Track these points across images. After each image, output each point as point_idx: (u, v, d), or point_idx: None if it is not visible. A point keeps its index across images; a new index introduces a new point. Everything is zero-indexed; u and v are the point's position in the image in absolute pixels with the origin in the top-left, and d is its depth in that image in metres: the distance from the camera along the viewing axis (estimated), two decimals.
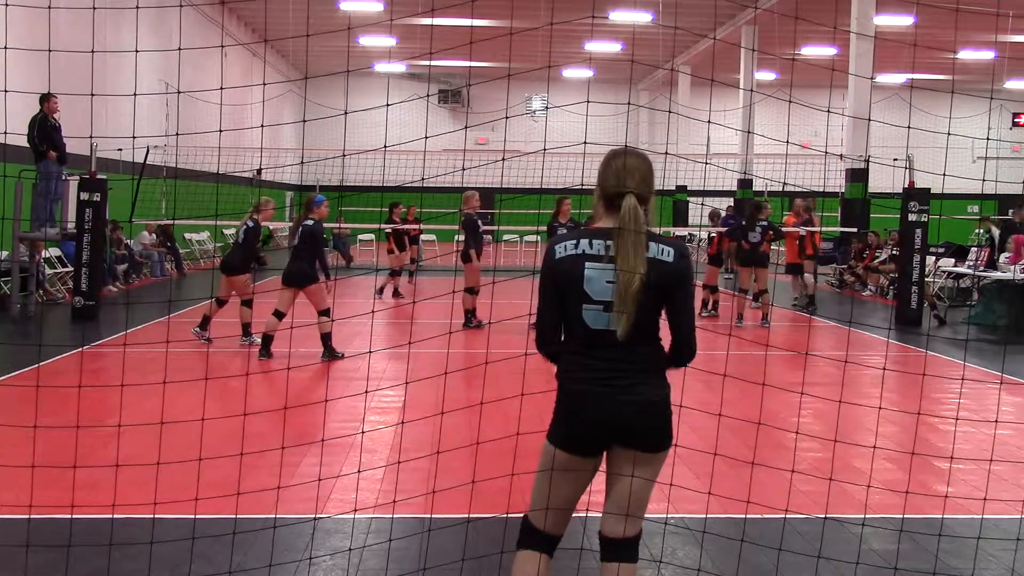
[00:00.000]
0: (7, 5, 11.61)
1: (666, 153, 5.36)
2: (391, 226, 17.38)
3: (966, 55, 30.40)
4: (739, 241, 14.29)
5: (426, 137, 5.32)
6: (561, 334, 3.32)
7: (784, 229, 15.67)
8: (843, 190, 20.76)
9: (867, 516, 5.28)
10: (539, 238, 22.22)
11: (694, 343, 3.30)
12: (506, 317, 12.89)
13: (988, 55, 28.93)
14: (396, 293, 16.99)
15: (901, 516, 5.05)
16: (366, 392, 6.76)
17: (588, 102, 5.07)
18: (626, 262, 3.14)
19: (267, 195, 12.09)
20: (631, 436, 3.24)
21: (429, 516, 5.03)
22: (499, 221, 29.08)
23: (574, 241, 3.24)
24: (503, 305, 13.39)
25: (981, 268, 15.45)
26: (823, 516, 5.06)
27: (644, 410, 3.22)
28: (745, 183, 28.21)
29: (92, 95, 13.74)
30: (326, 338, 10.16)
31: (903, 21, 25.04)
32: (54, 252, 15.76)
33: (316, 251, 10.15)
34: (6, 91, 4.88)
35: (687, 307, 3.27)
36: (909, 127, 7.71)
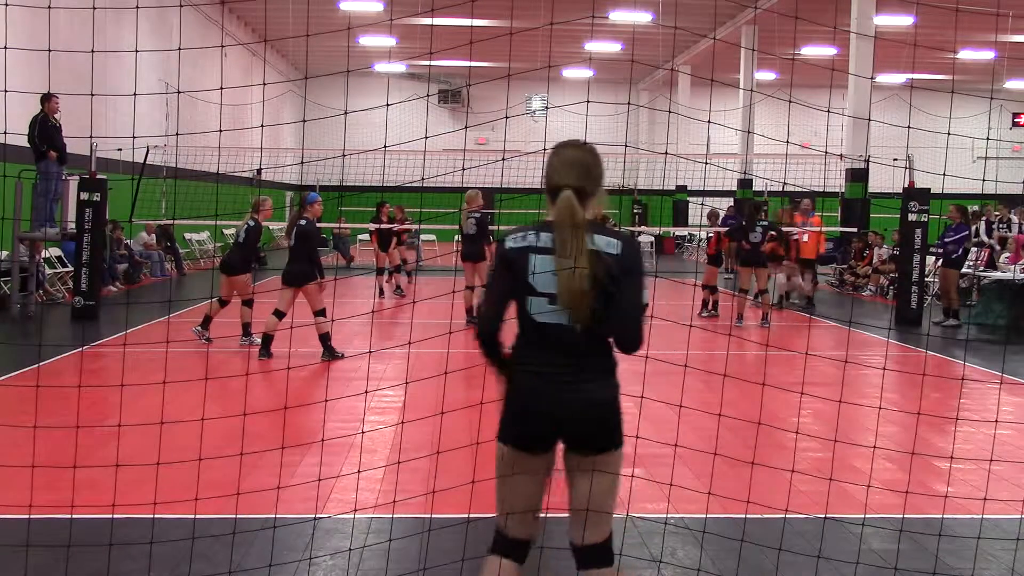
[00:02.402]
0: (7, 5, 11.60)
1: (666, 153, 5.36)
2: (375, 225, 17.38)
3: (966, 55, 30.40)
4: (739, 241, 14.30)
5: (426, 137, 5.32)
6: (501, 325, 3.29)
7: (784, 229, 15.70)
8: (843, 190, 20.76)
9: (867, 516, 5.28)
10: None
11: (639, 332, 3.22)
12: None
13: (988, 55, 28.92)
14: (398, 290, 16.98)
15: (901, 516, 5.05)
16: (366, 392, 6.76)
17: (588, 102, 5.08)
18: (563, 256, 3.13)
19: (267, 195, 12.07)
20: (575, 436, 3.21)
21: (429, 516, 5.03)
22: (499, 221, 29.08)
23: (523, 234, 3.25)
24: None
25: (981, 268, 15.45)
26: (823, 516, 5.06)
27: (588, 409, 3.18)
28: (745, 183, 28.20)
29: (92, 95, 13.74)
30: (325, 338, 10.15)
31: (903, 21, 25.04)
32: (54, 252, 15.76)
33: (309, 250, 10.14)
34: (6, 91, 4.88)
35: (636, 296, 3.21)
36: (909, 127, 7.71)
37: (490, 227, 13.42)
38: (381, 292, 17.12)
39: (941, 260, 14.85)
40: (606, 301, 3.17)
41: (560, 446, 3.29)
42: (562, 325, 3.17)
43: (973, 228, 17.98)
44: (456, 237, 15.46)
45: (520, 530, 3.30)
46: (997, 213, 18.56)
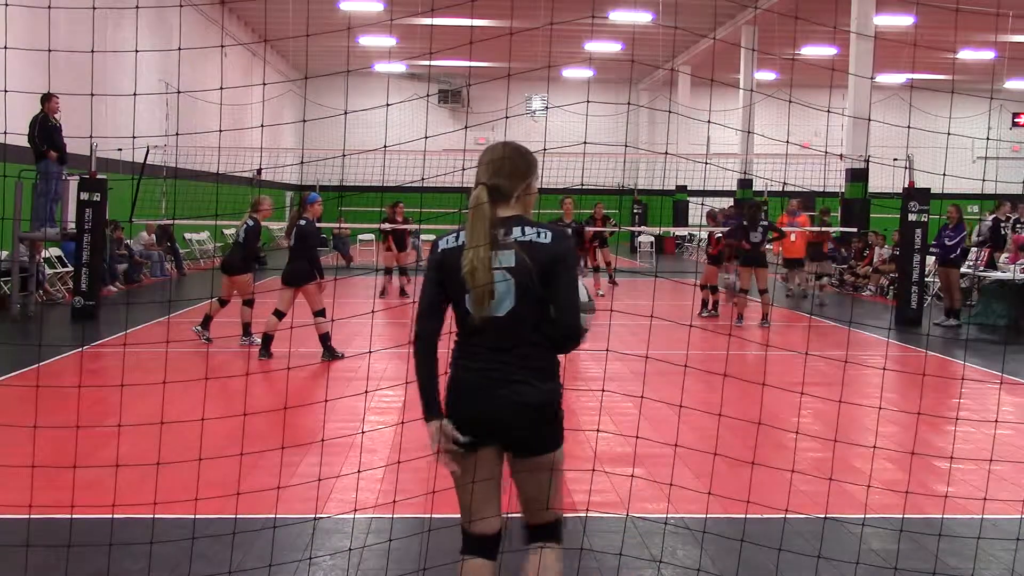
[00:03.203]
0: (7, 5, 11.60)
1: (666, 153, 5.37)
2: (391, 226, 17.38)
3: (966, 55, 30.39)
4: (740, 241, 14.30)
5: (426, 137, 5.32)
6: (438, 325, 3.31)
7: (785, 229, 15.76)
8: (843, 190, 20.76)
9: (867, 516, 5.28)
10: None
11: (576, 326, 3.20)
12: None
13: (988, 55, 28.92)
14: (402, 292, 16.98)
15: (901, 516, 5.05)
16: (366, 392, 6.75)
17: (588, 102, 5.03)
18: (464, 255, 3.16)
19: (267, 195, 12.07)
20: (507, 435, 3.22)
21: (429, 516, 5.03)
22: None
23: (454, 235, 3.29)
24: None
25: (981, 268, 15.45)
26: (823, 516, 5.06)
27: (518, 410, 3.18)
28: (745, 183, 28.20)
29: (92, 95, 13.74)
30: (325, 338, 10.16)
31: (903, 21, 25.04)
32: (54, 252, 15.76)
33: (309, 250, 10.14)
34: (6, 91, 4.88)
35: (570, 288, 3.20)
36: (909, 127, 7.71)
37: None
38: (383, 293, 17.11)
39: (938, 260, 14.85)
40: (527, 295, 3.16)
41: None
42: (496, 319, 3.17)
43: (978, 227, 18.00)
44: None
45: (483, 525, 3.30)
46: (1014, 214, 18.43)
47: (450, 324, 3.32)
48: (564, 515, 3.41)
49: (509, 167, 3.30)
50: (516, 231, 3.20)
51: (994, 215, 17.41)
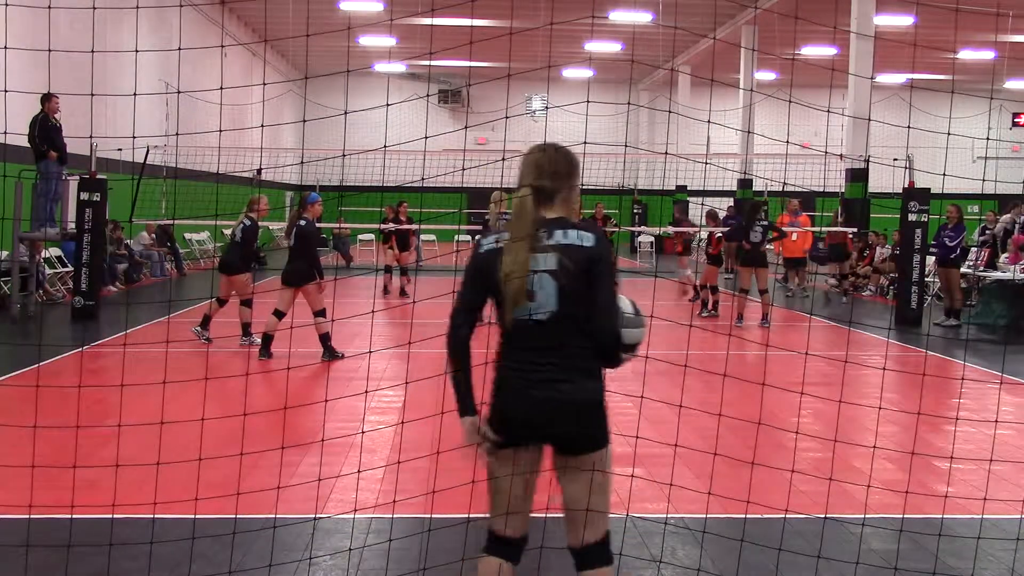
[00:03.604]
0: (7, 5, 11.60)
1: (666, 153, 5.37)
2: (395, 226, 17.40)
3: (966, 55, 30.38)
4: (739, 241, 14.30)
5: (426, 137, 5.32)
6: (471, 328, 3.32)
7: (785, 228, 15.78)
8: (843, 190, 20.76)
9: (867, 516, 5.28)
10: None
11: (612, 328, 3.22)
12: None
13: (988, 55, 28.91)
14: (403, 292, 16.99)
15: (901, 516, 5.05)
16: (366, 392, 6.76)
17: (588, 102, 5.07)
18: (505, 257, 3.18)
19: (267, 195, 12.07)
20: (553, 435, 3.22)
21: (429, 516, 5.03)
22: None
23: (496, 236, 3.29)
24: None
25: (981, 268, 15.45)
26: (823, 516, 5.06)
27: (567, 409, 3.18)
28: (745, 183, 28.19)
29: (92, 95, 13.74)
30: (325, 338, 10.16)
31: (903, 21, 25.03)
32: (54, 252, 15.76)
33: (308, 251, 10.14)
34: (6, 91, 4.88)
35: (607, 290, 3.22)
36: (909, 127, 7.71)
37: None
38: (386, 290, 17.15)
39: (938, 260, 14.85)
40: (570, 297, 3.17)
41: (547, 447, 3.29)
42: (540, 322, 3.18)
43: (981, 227, 18.02)
44: (456, 237, 15.49)
45: (511, 528, 3.29)
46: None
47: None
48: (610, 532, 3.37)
49: (554, 168, 3.31)
50: (558, 234, 3.21)
51: (1011, 215, 17.42)
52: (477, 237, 3.40)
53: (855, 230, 19.58)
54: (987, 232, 18.05)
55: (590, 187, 25.34)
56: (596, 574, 3.28)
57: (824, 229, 19.27)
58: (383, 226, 17.44)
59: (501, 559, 3.29)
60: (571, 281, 3.16)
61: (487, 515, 3.34)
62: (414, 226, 17.56)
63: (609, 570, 3.30)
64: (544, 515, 3.39)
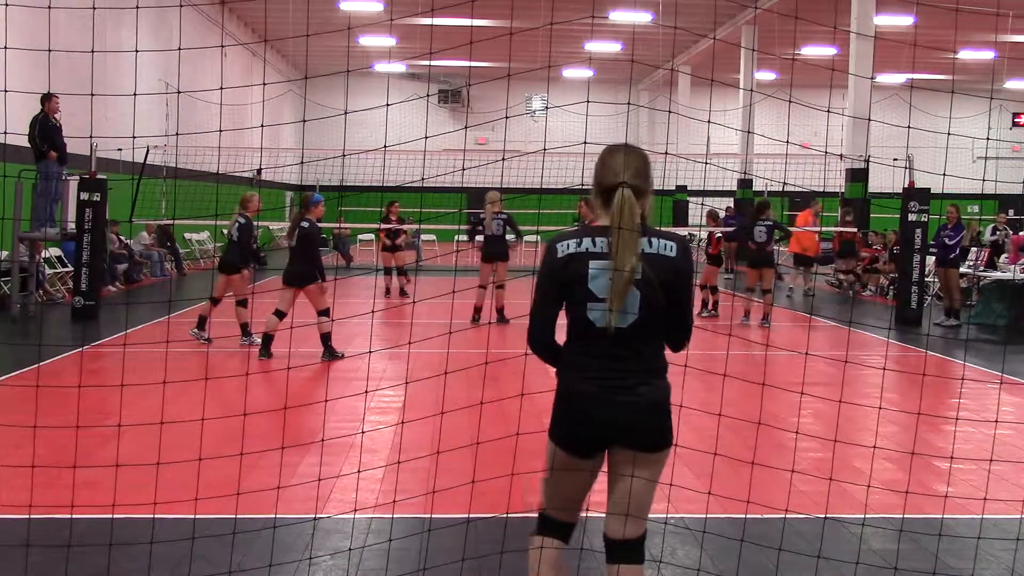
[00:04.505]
0: (7, 5, 11.60)
1: (666, 153, 5.37)
2: (388, 226, 17.41)
3: (966, 55, 30.39)
4: (744, 242, 14.29)
5: (426, 137, 5.32)
6: (555, 334, 3.29)
7: (792, 229, 15.83)
8: (843, 190, 20.76)
9: (867, 516, 5.28)
10: (539, 238, 22.24)
11: (690, 331, 3.31)
12: (511, 316, 12.89)
13: (988, 55, 28.91)
14: (403, 292, 17.01)
15: (901, 516, 5.05)
16: (366, 392, 6.75)
17: (588, 102, 5.07)
18: (618, 256, 3.11)
19: (267, 195, 12.08)
20: (632, 436, 3.22)
21: (429, 516, 5.03)
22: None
23: (576, 240, 3.21)
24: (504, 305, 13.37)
25: (981, 268, 15.45)
26: (823, 516, 5.06)
27: (646, 411, 3.20)
28: (745, 183, 28.20)
29: (92, 95, 13.74)
30: (326, 338, 10.16)
31: (903, 21, 25.03)
32: (54, 252, 15.76)
33: (310, 252, 10.15)
34: (6, 91, 4.88)
35: (689, 298, 3.27)
36: (909, 127, 7.71)
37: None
38: (387, 291, 17.17)
39: (938, 260, 14.85)
40: (650, 304, 3.16)
41: (609, 447, 3.30)
42: (620, 330, 3.16)
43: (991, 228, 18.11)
44: (456, 237, 15.49)
45: (570, 516, 3.36)
46: None
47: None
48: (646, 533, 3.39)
49: (646, 170, 3.27)
50: (643, 242, 3.17)
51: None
52: (551, 242, 3.29)
53: (846, 230, 19.68)
54: (998, 232, 18.15)
55: (590, 187, 25.24)
56: (627, 570, 3.28)
57: (835, 229, 19.29)
58: (381, 226, 17.47)
59: (553, 537, 3.33)
60: (653, 292, 3.14)
61: (540, 505, 3.37)
62: (404, 226, 17.55)
63: (640, 568, 3.31)
64: (605, 525, 3.39)
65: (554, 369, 3.33)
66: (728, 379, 6.15)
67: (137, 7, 17.58)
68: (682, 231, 32.12)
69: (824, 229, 18.87)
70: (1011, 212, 19.99)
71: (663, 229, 3.29)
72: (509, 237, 13.33)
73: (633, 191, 3.17)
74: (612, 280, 3.12)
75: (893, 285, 16.78)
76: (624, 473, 3.25)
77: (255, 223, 11.45)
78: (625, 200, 3.14)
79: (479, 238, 13.73)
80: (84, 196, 13.54)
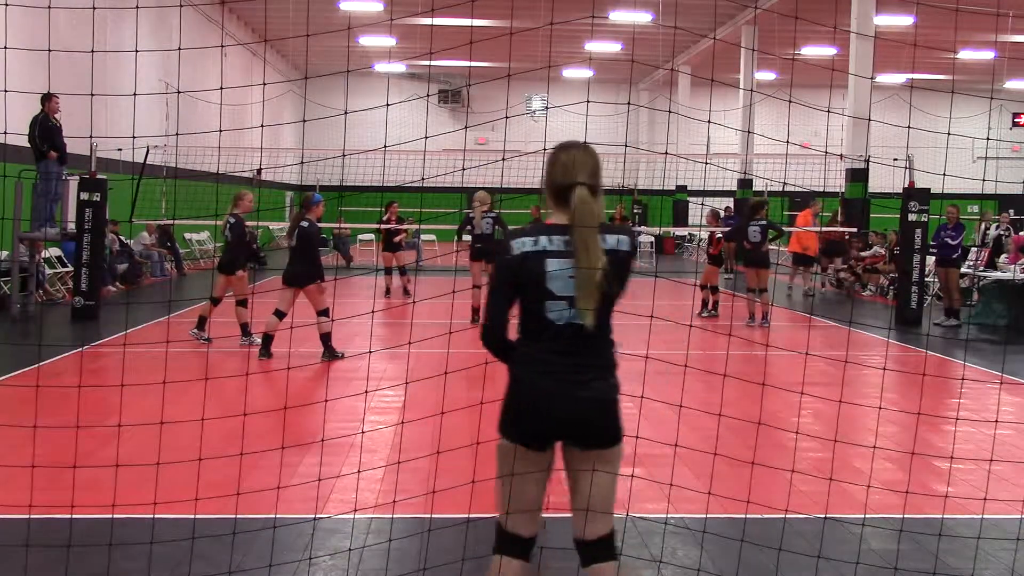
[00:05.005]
0: (7, 5, 11.60)
1: (666, 153, 5.37)
2: (388, 226, 17.42)
3: (966, 55, 30.38)
4: (739, 242, 14.30)
5: (426, 137, 5.32)
6: (508, 330, 3.30)
7: (786, 228, 15.83)
8: (843, 190, 20.76)
9: (867, 516, 5.28)
10: None
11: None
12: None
13: (988, 55, 28.90)
14: (405, 291, 17.02)
15: (901, 516, 5.05)
16: (366, 392, 6.76)
17: (588, 102, 5.10)
18: (583, 258, 3.14)
19: (267, 195, 12.07)
20: (587, 433, 3.24)
21: (429, 516, 5.03)
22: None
23: (533, 238, 3.23)
24: None
25: (981, 268, 15.45)
26: (823, 516, 5.06)
27: (600, 406, 3.22)
28: (745, 183, 28.20)
29: (92, 95, 13.74)
30: (326, 338, 10.16)
31: (903, 21, 25.02)
32: (54, 252, 15.76)
33: (310, 252, 10.15)
34: (6, 91, 4.88)
35: (626, 288, 3.31)
36: (909, 127, 7.71)
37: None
38: (388, 291, 17.18)
39: (938, 260, 14.85)
40: (606, 300, 3.21)
41: (559, 444, 3.30)
42: (576, 326, 3.19)
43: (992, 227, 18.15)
44: (455, 237, 15.50)
45: (523, 527, 3.30)
46: None
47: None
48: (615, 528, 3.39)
49: (599, 169, 3.30)
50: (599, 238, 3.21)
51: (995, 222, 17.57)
52: (505, 240, 3.29)
53: (853, 229, 19.69)
54: (1005, 231, 18.20)
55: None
56: (604, 568, 3.29)
57: (825, 229, 19.29)
58: (384, 225, 17.48)
59: (513, 557, 3.30)
60: (610, 287, 3.19)
61: (498, 515, 3.34)
62: (402, 226, 17.57)
63: (616, 565, 3.32)
64: (544, 514, 3.39)
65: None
66: (728, 379, 6.16)
67: (137, 7, 17.58)
68: (682, 231, 32.20)
69: (818, 229, 18.86)
70: (1011, 212, 20.04)
71: (612, 224, 3.31)
72: (499, 236, 13.35)
73: (588, 190, 3.22)
74: (578, 280, 3.15)
75: (893, 285, 16.78)
76: (581, 471, 3.27)
77: (248, 222, 11.41)
78: (583, 200, 3.18)
79: (467, 237, 13.76)
80: (84, 196, 13.54)
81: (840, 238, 19.21)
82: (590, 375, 3.21)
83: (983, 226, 19.56)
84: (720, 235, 15.60)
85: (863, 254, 19.33)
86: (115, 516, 4.54)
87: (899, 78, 33.71)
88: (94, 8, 14.12)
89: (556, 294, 3.18)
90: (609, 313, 3.25)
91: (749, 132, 26.31)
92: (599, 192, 3.27)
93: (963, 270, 15.45)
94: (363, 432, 6.47)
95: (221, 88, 12.06)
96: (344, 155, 22.77)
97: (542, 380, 3.21)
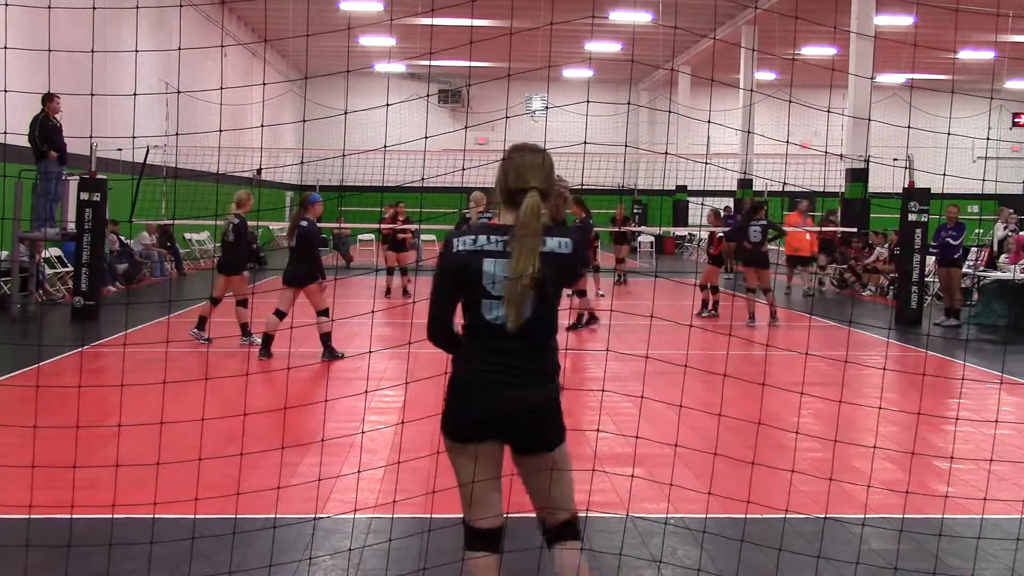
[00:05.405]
0: (7, 5, 11.60)
1: (666, 153, 5.37)
2: (393, 226, 17.42)
3: (966, 55, 30.39)
4: (739, 242, 14.30)
5: (426, 137, 5.32)
6: (454, 326, 3.34)
7: (786, 228, 15.82)
8: (843, 190, 20.77)
9: (867, 516, 5.28)
10: None
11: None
12: None
13: (988, 55, 28.91)
14: (405, 292, 17.02)
15: (901, 516, 5.05)
16: (366, 392, 6.75)
17: (588, 102, 5.09)
18: (517, 263, 3.15)
19: (267, 195, 12.07)
20: (515, 436, 3.27)
21: (429, 516, 5.03)
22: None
23: (472, 237, 3.26)
24: None
25: (981, 268, 15.45)
26: (823, 516, 5.06)
27: (526, 411, 3.23)
28: (745, 183, 28.20)
29: (92, 95, 13.74)
30: (326, 338, 10.16)
31: (903, 21, 25.03)
32: (54, 252, 15.76)
33: (310, 251, 10.15)
34: (6, 91, 4.88)
35: (573, 283, 3.36)
36: (909, 127, 7.70)
37: None
38: (388, 291, 17.18)
39: (939, 260, 14.85)
40: (545, 303, 3.21)
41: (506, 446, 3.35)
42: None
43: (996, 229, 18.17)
44: None
45: (486, 520, 3.32)
46: None
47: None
48: (579, 513, 3.44)
49: (549, 171, 3.33)
50: (547, 240, 3.23)
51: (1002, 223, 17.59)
52: (448, 237, 3.35)
53: (846, 230, 19.74)
54: (1012, 231, 18.21)
55: (590, 187, 25.34)
56: (567, 547, 3.33)
57: (822, 229, 19.31)
58: (382, 226, 17.48)
59: (486, 552, 3.33)
60: (547, 289, 3.20)
61: (462, 511, 3.38)
62: (406, 226, 17.58)
63: (578, 544, 3.36)
64: (537, 514, 3.40)
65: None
66: (728, 379, 6.16)
67: (137, 7, 17.58)
68: (682, 231, 32.20)
69: (812, 229, 18.87)
70: (1012, 212, 20.06)
71: (560, 226, 3.33)
72: None
73: (540, 194, 3.25)
74: (505, 284, 3.17)
75: (893, 285, 16.78)
76: (528, 476, 3.32)
77: (248, 222, 11.42)
78: (533, 206, 3.21)
79: None
80: (84, 196, 13.54)
81: (832, 236, 19.27)
82: (523, 379, 3.22)
83: (1001, 225, 19.58)
84: (721, 235, 15.61)
85: (866, 261, 19.31)
86: (115, 516, 4.54)
87: (899, 78, 33.72)
88: (94, 8, 14.11)
89: (492, 293, 3.21)
90: (549, 316, 3.25)
91: (749, 132, 26.32)
92: (550, 196, 3.30)
93: (963, 270, 15.45)
94: (363, 432, 6.47)
95: (221, 88, 12.05)
96: (344, 155, 22.78)
97: (472, 376, 3.25)
